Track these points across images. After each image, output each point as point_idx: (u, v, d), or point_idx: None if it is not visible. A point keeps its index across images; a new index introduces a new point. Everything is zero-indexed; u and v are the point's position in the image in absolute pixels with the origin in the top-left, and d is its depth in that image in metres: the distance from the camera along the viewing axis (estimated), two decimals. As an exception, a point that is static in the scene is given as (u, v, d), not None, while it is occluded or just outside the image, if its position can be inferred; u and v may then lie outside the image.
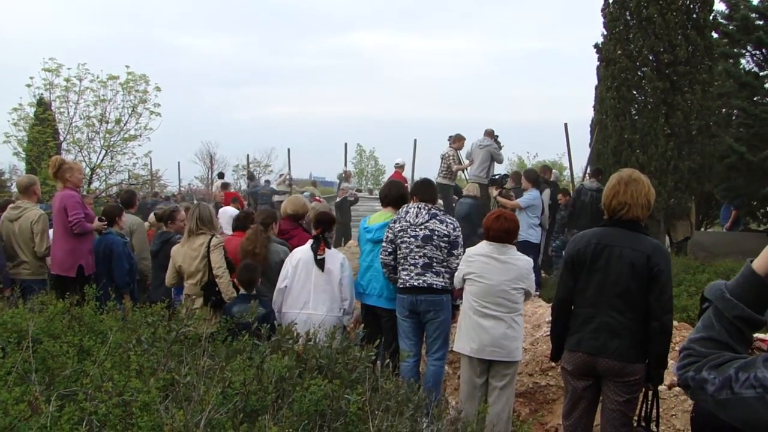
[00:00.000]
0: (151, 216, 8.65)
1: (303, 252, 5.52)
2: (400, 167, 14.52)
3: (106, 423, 2.30)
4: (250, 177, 20.56)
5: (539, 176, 10.22)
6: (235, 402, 2.52)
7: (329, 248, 5.59)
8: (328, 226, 5.68)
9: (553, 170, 13.27)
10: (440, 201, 8.89)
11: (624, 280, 3.76)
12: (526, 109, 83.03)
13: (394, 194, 5.89)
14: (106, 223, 6.78)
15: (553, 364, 4.73)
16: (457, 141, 12.51)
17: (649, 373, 3.83)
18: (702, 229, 14.04)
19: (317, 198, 17.26)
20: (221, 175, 21.03)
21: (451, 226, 5.35)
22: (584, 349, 3.88)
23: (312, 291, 5.38)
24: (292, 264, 5.49)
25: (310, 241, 5.59)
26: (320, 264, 5.39)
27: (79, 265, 6.54)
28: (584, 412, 4.02)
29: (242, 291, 5.40)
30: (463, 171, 12.73)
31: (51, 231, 6.88)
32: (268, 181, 20.79)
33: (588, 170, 12.67)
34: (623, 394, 3.82)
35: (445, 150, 12.49)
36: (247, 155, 26.06)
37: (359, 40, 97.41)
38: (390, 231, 5.44)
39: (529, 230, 9.22)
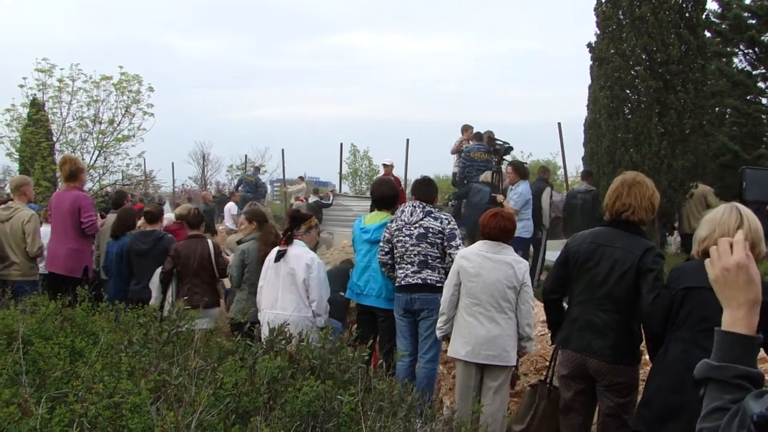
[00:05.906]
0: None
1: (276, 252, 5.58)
2: (389, 167, 14.56)
3: (97, 425, 2.28)
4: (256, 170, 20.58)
5: (527, 168, 9.84)
6: (226, 403, 2.50)
7: (299, 244, 5.62)
8: (296, 223, 5.70)
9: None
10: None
11: (612, 281, 3.75)
12: (521, 109, 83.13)
13: (388, 195, 5.91)
14: None
15: (547, 363, 4.72)
16: (466, 131, 12.39)
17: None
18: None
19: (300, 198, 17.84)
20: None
21: (446, 222, 5.40)
22: (572, 346, 3.89)
23: (280, 290, 5.44)
24: (266, 264, 5.60)
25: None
26: (279, 256, 5.45)
27: (85, 266, 6.59)
28: (580, 417, 4.00)
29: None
30: None
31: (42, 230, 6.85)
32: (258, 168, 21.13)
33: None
34: (615, 398, 3.81)
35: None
36: (245, 155, 26.36)
37: (352, 41, 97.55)
38: (387, 231, 5.48)
39: (519, 223, 9.07)
